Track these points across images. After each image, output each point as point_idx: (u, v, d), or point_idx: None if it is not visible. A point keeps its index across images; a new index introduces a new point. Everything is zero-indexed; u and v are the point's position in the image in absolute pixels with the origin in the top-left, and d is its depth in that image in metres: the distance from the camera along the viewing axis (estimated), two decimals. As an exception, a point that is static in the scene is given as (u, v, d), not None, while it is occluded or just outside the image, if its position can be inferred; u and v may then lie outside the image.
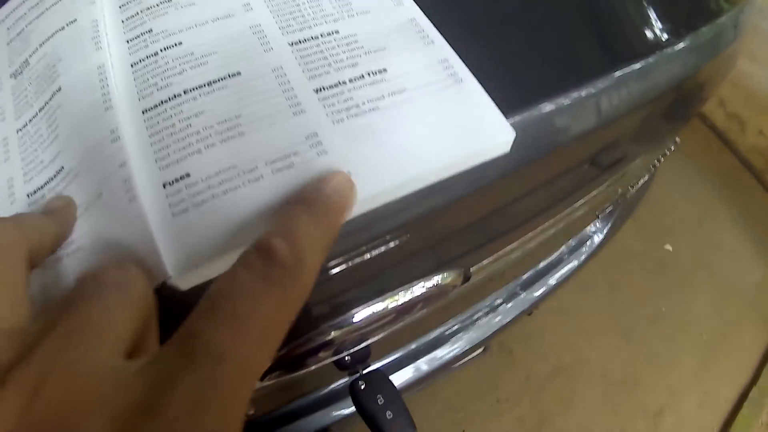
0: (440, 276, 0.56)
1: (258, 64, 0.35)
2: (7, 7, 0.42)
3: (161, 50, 0.36)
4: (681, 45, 0.55)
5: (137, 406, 0.20)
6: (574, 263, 1.11)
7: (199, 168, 0.31)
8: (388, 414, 0.62)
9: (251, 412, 0.74)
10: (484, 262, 0.64)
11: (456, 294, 0.65)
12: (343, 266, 0.42)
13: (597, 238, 1.14)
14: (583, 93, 0.48)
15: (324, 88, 0.34)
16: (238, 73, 0.35)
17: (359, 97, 0.34)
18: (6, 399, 0.19)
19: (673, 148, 0.95)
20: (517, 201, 0.54)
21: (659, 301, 1.92)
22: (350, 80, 0.35)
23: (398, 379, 0.97)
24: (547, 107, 0.46)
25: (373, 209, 0.32)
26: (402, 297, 0.54)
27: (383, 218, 0.40)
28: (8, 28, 0.41)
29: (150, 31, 0.37)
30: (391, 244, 0.43)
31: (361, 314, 0.53)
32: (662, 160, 0.98)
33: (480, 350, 1.17)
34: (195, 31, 0.37)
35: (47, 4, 0.40)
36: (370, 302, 0.53)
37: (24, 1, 0.41)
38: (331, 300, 0.49)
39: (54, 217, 0.30)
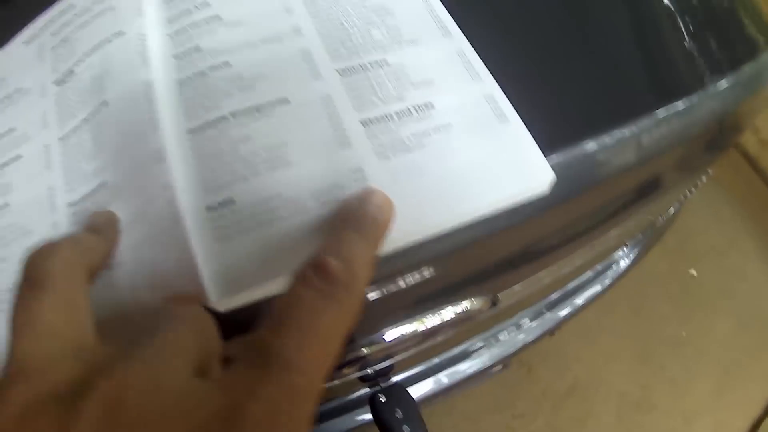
0: (469, 302, 0.56)
1: (306, 91, 0.35)
2: (52, 11, 0.41)
3: (209, 69, 0.35)
4: (723, 82, 0.55)
5: (217, 415, 0.21)
6: (598, 287, 1.10)
7: (244, 195, 0.31)
8: (405, 429, 0.63)
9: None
10: (514, 288, 0.64)
11: (483, 317, 0.65)
12: (378, 293, 0.43)
13: (623, 263, 1.14)
14: (626, 132, 0.48)
15: (371, 121, 0.34)
16: (287, 100, 0.34)
17: (405, 132, 0.34)
18: (86, 409, 0.20)
19: (705, 178, 0.94)
20: (552, 234, 0.54)
21: (680, 326, 1.91)
22: (397, 114, 0.35)
23: (418, 390, 0.98)
24: (589, 146, 0.47)
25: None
26: (430, 321, 0.55)
27: (418, 249, 0.41)
28: (52, 34, 0.41)
29: (197, 48, 0.37)
30: (426, 274, 0.44)
31: (390, 334, 0.53)
32: (694, 190, 0.98)
33: (500, 367, 1.18)
34: (244, 52, 0.36)
35: (94, 13, 0.40)
36: (399, 323, 0.53)
37: (70, 8, 0.41)
38: (363, 320, 0.50)
39: (103, 236, 0.31)
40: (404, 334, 0.54)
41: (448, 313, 0.55)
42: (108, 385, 0.21)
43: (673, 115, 0.51)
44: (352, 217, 0.29)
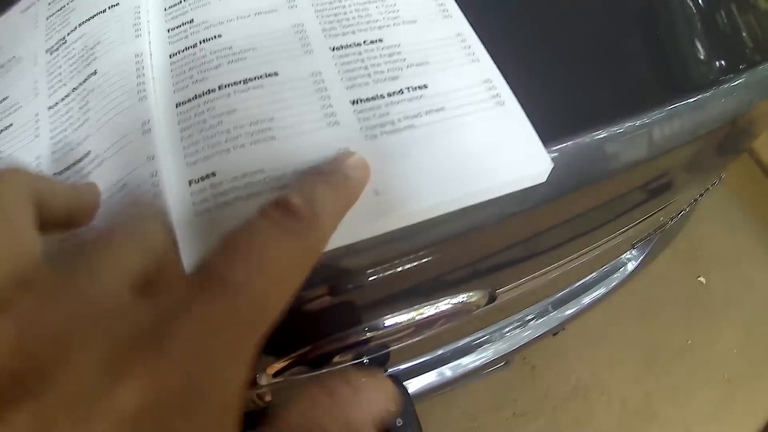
0: (466, 295, 0.55)
1: (297, 66, 0.34)
2: None
3: (200, 42, 0.35)
4: (737, 82, 0.54)
5: (141, 334, 0.19)
6: (603, 289, 1.10)
7: (225, 168, 0.30)
8: (399, 421, 0.63)
9: (269, 399, 0.75)
10: (513, 284, 0.63)
11: (482, 312, 0.65)
12: (374, 277, 0.42)
13: (631, 266, 1.13)
14: (635, 123, 0.47)
15: (361, 101, 0.33)
16: (276, 74, 0.34)
17: (396, 113, 0.33)
18: (1, 325, 0.19)
19: (717, 182, 0.93)
20: (554, 228, 0.54)
21: (686, 333, 1.89)
22: (389, 94, 0.34)
23: (421, 382, 0.98)
24: (597, 135, 0.46)
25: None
26: (427, 311, 0.54)
27: (413, 234, 0.40)
28: (49, 3, 0.41)
29: (191, 21, 0.36)
30: (423, 260, 0.43)
31: (389, 321, 0.53)
32: (705, 194, 0.97)
33: (502, 363, 1.17)
34: (236, 23, 0.36)
35: None
36: (396, 313, 0.53)
37: None
38: (360, 306, 0.49)
39: (72, 187, 0.30)
40: (399, 322, 0.53)
41: (444, 304, 0.54)
42: (26, 301, 0.20)
43: (683, 110, 0.50)
44: (325, 170, 0.29)
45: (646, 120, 0.48)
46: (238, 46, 0.35)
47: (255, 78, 0.33)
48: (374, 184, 0.30)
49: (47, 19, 0.40)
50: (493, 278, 0.59)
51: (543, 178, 0.33)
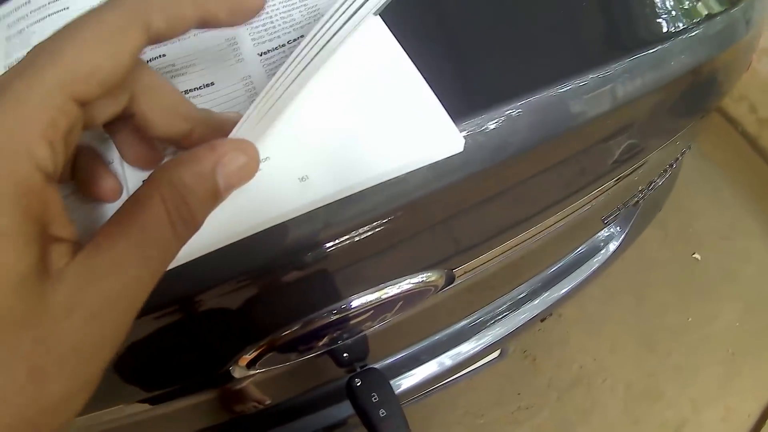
0: (425, 275, 0.56)
1: (230, 73, 0.38)
2: (9, 5, 0.43)
3: (148, 61, 0.38)
4: (694, 33, 0.55)
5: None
6: (586, 272, 1.09)
7: None
8: (381, 412, 0.63)
9: (268, 402, 0.76)
10: (476, 264, 0.63)
11: (447, 295, 0.65)
12: (331, 249, 0.43)
13: (613, 246, 1.13)
14: (597, 75, 0.49)
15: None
16: (212, 83, 0.38)
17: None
18: None
19: (686, 150, 0.93)
20: (500, 197, 0.54)
21: (685, 311, 1.89)
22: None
23: (416, 375, 0.98)
24: (557, 89, 0.47)
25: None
26: (390, 291, 0.55)
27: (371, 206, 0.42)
28: (8, 25, 0.42)
29: None
30: (379, 229, 0.44)
31: (354, 303, 0.54)
32: (679, 159, 0.96)
33: (497, 353, 1.17)
34: (178, 44, 0.39)
35: (49, 11, 0.42)
36: (359, 294, 0.54)
37: (26, 4, 0.43)
38: (322, 288, 0.50)
39: None
40: (367, 301, 0.54)
41: (407, 284, 0.55)
42: None
43: (642, 62, 0.51)
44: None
45: (606, 71, 0.49)
46: (180, 63, 0.39)
47: (195, 89, 0.38)
48: (299, 170, 0.34)
49: (7, 39, 0.42)
50: (452, 259, 0.59)
51: (460, 148, 0.37)
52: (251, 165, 0.27)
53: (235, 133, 0.30)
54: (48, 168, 0.22)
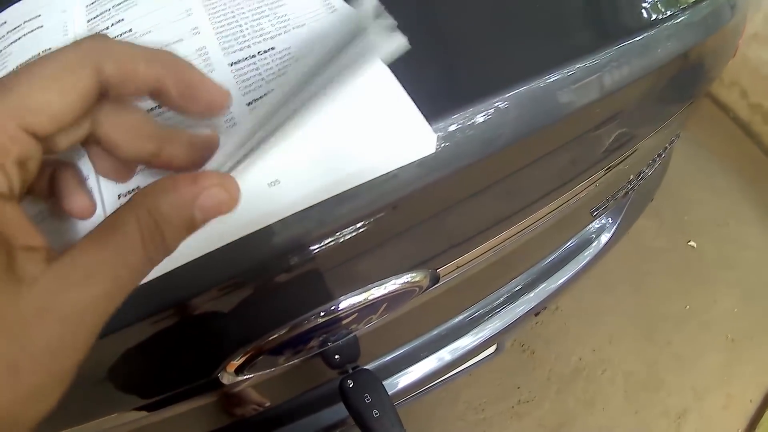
0: (410, 275, 0.56)
1: None
2: None
3: None
4: (677, 20, 0.56)
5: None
6: (579, 264, 1.09)
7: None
8: (375, 412, 0.63)
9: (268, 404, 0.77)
10: (460, 263, 0.63)
11: (437, 293, 0.65)
12: (317, 251, 0.44)
13: (605, 238, 1.12)
14: (585, 64, 0.49)
15: (254, 101, 0.37)
16: None
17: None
18: None
19: (674, 139, 0.93)
20: (506, 187, 0.54)
21: (683, 300, 1.90)
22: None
23: (413, 374, 0.99)
24: (545, 79, 0.47)
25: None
26: (377, 292, 0.55)
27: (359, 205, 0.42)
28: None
29: None
30: (365, 228, 0.44)
31: (342, 304, 0.54)
32: (668, 148, 0.96)
33: (493, 349, 1.17)
34: None
35: (25, 31, 0.43)
36: (347, 295, 0.54)
37: (3, 24, 0.44)
38: (309, 291, 0.50)
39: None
40: (354, 303, 0.54)
41: (392, 284, 0.55)
42: None
43: (626, 48, 0.51)
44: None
45: (596, 60, 0.49)
46: None
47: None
48: (268, 177, 0.34)
49: None
50: (434, 256, 0.59)
51: (432, 149, 0.38)
52: (230, 202, 0.28)
53: (210, 165, 0.30)
54: (1, 188, 0.24)
